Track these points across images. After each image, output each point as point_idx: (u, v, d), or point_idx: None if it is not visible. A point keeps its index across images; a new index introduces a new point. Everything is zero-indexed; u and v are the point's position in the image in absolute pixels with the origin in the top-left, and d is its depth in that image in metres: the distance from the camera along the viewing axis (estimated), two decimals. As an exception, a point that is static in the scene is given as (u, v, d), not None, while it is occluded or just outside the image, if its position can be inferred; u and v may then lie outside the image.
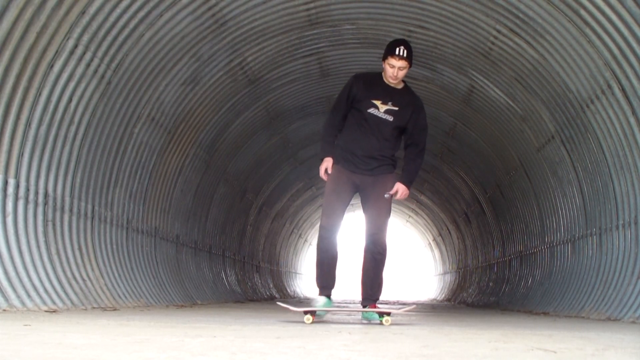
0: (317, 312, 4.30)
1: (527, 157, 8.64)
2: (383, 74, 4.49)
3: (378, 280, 4.50)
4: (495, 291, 11.29)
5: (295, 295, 17.29)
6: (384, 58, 4.42)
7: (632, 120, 5.68)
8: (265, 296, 13.52)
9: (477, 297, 12.53)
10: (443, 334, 3.22)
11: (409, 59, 4.37)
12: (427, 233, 19.32)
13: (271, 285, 15.04)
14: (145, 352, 2.10)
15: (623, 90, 5.67)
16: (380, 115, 4.45)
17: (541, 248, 8.83)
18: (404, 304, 12.47)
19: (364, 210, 4.55)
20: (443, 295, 17.17)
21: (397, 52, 4.34)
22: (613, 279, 6.01)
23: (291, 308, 4.29)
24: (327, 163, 4.52)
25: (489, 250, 12.38)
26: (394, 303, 12.74)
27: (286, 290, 16.58)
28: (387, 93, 4.47)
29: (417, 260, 26.08)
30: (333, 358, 2.03)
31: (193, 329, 3.16)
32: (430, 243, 19.76)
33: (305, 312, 4.15)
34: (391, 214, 4.68)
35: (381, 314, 4.26)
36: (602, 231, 6.56)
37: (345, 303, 11.39)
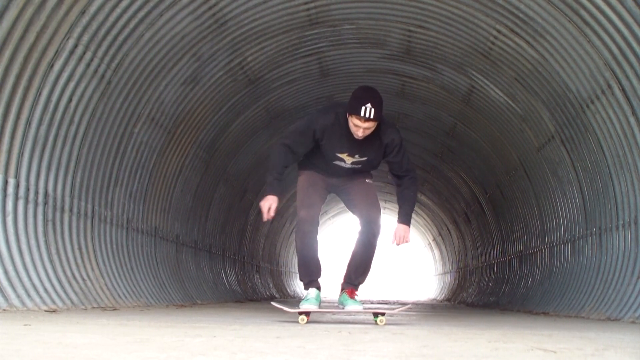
0: (313, 306, 4.11)
1: (527, 157, 8.64)
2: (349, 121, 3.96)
3: (365, 265, 4.24)
4: (495, 291, 11.29)
5: (295, 295, 17.28)
6: (348, 112, 3.86)
7: (632, 120, 5.68)
8: (265, 296, 13.52)
9: (477, 297, 12.53)
10: (443, 334, 3.22)
11: (377, 118, 3.80)
12: (427, 233, 19.32)
13: (271, 285, 15.04)
14: (145, 351, 2.10)
15: (623, 90, 5.67)
16: (347, 167, 4.14)
17: (541, 248, 8.83)
18: (404, 303, 12.47)
19: (351, 202, 4.29)
20: (443, 295, 17.17)
21: (362, 114, 3.76)
22: (613, 279, 6.01)
23: (285, 309, 4.16)
24: (272, 201, 4.04)
25: (489, 250, 12.38)
26: (393, 303, 12.74)
27: (286, 290, 16.58)
28: (353, 144, 4.01)
29: (417, 260, 26.08)
30: (333, 358, 2.03)
31: (193, 329, 3.16)
32: (430, 243, 19.76)
33: (300, 313, 4.03)
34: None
35: (376, 314, 4.15)
36: (602, 231, 6.56)
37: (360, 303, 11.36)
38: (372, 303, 11.55)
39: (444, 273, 18.27)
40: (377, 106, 3.80)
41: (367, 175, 4.34)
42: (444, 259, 18.04)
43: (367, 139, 3.98)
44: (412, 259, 30.54)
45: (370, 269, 4.31)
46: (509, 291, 10.26)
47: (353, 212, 4.36)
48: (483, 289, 12.45)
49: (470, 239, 13.98)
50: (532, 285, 8.94)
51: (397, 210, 4.44)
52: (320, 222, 4.31)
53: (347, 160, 4.12)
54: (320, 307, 4.21)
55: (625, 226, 5.99)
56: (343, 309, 4.25)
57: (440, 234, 17.36)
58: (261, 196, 4.29)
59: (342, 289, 4.29)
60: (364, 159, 4.11)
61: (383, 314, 4.13)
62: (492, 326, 4.14)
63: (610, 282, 6.04)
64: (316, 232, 4.15)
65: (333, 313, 5.54)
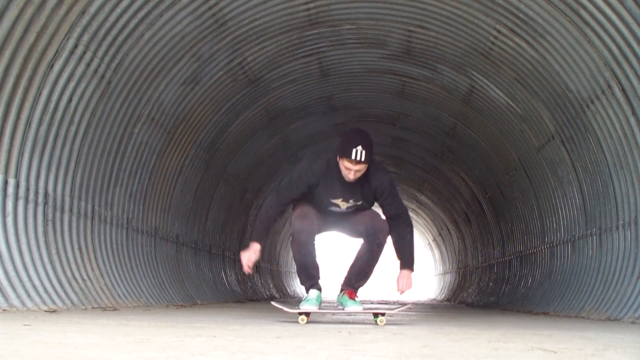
0: (313, 307, 4.12)
1: (527, 157, 8.64)
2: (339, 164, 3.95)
3: (367, 271, 4.23)
4: (495, 291, 11.29)
5: (295, 295, 17.28)
6: (339, 155, 3.85)
7: (632, 120, 5.68)
8: (265, 296, 13.52)
9: (477, 297, 12.53)
10: (443, 334, 3.22)
11: (367, 160, 3.79)
12: (427, 233, 19.32)
13: (271, 285, 15.04)
14: (145, 352, 2.10)
15: (623, 90, 5.67)
16: (342, 212, 4.14)
17: (541, 248, 8.82)
18: (403, 303, 12.47)
19: (354, 227, 4.24)
20: (443, 295, 17.17)
21: (353, 157, 3.76)
22: (613, 279, 6.01)
23: (285, 309, 4.17)
24: (254, 252, 4.08)
25: (489, 250, 12.38)
26: (393, 303, 12.74)
27: (286, 290, 16.58)
28: (347, 189, 4.02)
29: (417, 260, 26.06)
30: (333, 358, 2.02)
31: (193, 329, 3.16)
32: (430, 243, 19.76)
33: (300, 314, 4.03)
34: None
35: (376, 315, 4.15)
36: (602, 231, 6.56)
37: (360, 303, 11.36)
38: (372, 303, 11.55)
39: (444, 273, 18.27)
40: (368, 148, 3.80)
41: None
42: (444, 259, 18.03)
43: (360, 181, 3.97)
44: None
45: (371, 274, 4.30)
46: (509, 291, 10.26)
47: (358, 232, 4.26)
48: (483, 289, 12.45)
49: (470, 239, 13.98)
50: (532, 285, 8.94)
51: (395, 245, 4.35)
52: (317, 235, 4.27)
53: (342, 205, 4.12)
54: (320, 307, 4.21)
55: (625, 226, 5.99)
56: (343, 309, 4.24)
57: (440, 234, 17.36)
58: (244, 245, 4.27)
59: (342, 290, 4.29)
60: (359, 202, 4.11)
61: (383, 314, 4.13)
62: (492, 326, 4.14)
63: (610, 282, 6.04)
64: (313, 240, 4.11)
65: (333, 313, 5.53)
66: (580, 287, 6.76)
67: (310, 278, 4.19)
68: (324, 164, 4.02)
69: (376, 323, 4.09)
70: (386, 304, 11.86)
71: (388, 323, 4.25)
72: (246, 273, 4.06)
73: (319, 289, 4.18)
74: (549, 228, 8.48)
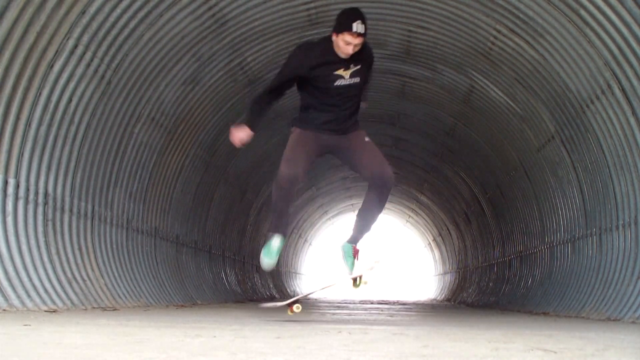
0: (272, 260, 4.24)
1: (527, 157, 8.64)
2: (334, 43, 4.05)
3: (375, 219, 4.30)
4: (495, 291, 11.29)
5: (295, 295, 17.28)
6: (337, 31, 3.99)
7: (632, 120, 5.68)
8: (265, 296, 13.52)
9: (477, 297, 12.53)
10: (443, 334, 3.22)
11: (366, 34, 3.99)
12: (427, 233, 19.32)
13: (271, 285, 15.04)
14: (145, 352, 2.10)
15: (623, 90, 5.67)
16: (348, 83, 4.15)
17: (541, 248, 8.83)
18: (404, 304, 12.48)
19: (356, 163, 4.26)
20: (443, 296, 17.17)
21: (354, 29, 3.94)
22: (613, 279, 6.01)
23: (277, 304, 4.29)
24: (245, 132, 4.15)
25: (489, 250, 12.38)
26: (393, 303, 12.75)
27: (286, 290, 16.58)
28: (344, 60, 4.09)
29: (417, 260, 26.08)
30: (333, 358, 2.02)
31: (193, 329, 3.16)
32: (430, 243, 19.76)
33: (292, 303, 4.15)
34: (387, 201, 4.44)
35: (355, 280, 4.25)
36: (602, 231, 6.56)
37: (345, 303, 11.39)
38: (372, 303, 11.56)
39: (444, 273, 18.27)
40: (365, 22, 4.00)
41: (363, 132, 4.33)
42: (444, 259, 18.04)
43: (354, 55, 4.07)
44: (412, 259, 30.54)
45: (377, 219, 4.37)
46: (509, 291, 10.26)
47: (360, 172, 4.31)
48: (483, 289, 12.45)
49: (470, 239, 13.98)
50: (532, 285, 8.94)
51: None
52: (302, 182, 4.29)
53: (346, 75, 4.14)
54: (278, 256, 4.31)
55: (625, 226, 5.99)
56: (349, 270, 4.26)
57: (440, 234, 17.36)
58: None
59: (351, 241, 4.33)
60: (358, 67, 4.17)
61: (361, 277, 4.22)
62: (492, 326, 4.14)
63: (610, 282, 6.04)
64: (294, 187, 4.17)
65: (333, 313, 5.54)
66: (580, 287, 6.76)
67: (279, 226, 4.28)
68: (312, 45, 4.18)
69: (359, 285, 4.14)
70: (386, 304, 11.87)
71: (388, 323, 4.25)
72: (237, 145, 4.18)
73: (282, 238, 4.26)
74: (549, 228, 8.48)
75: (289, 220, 4.33)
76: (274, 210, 4.28)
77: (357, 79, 4.17)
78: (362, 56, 4.14)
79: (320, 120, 4.20)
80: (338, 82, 4.13)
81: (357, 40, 3.97)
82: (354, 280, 4.26)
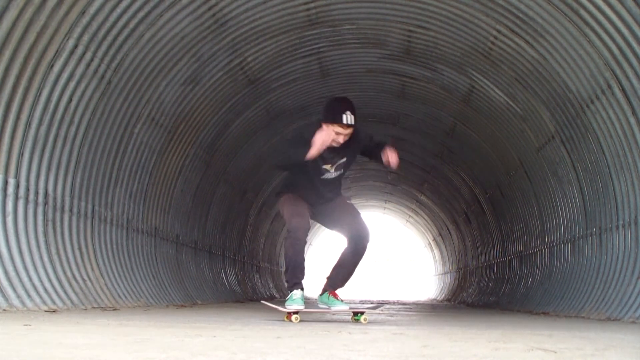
0: (300, 306, 4.28)
1: (527, 157, 8.64)
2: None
3: (351, 273, 4.51)
4: (495, 291, 11.29)
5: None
6: (326, 122, 4.12)
7: (632, 120, 5.68)
8: (265, 296, 13.52)
9: (477, 297, 12.53)
10: (443, 334, 3.22)
11: (355, 123, 4.12)
12: (427, 233, 19.32)
13: (271, 285, 15.04)
14: (145, 352, 2.10)
15: (623, 90, 5.67)
16: (333, 177, 4.42)
17: (541, 248, 8.82)
18: (404, 303, 12.48)
19: (336, 221, 4.54)
20: (443, 295, 17.17)
21: (344, 121, 4.07)
22: (613, 279, 6.01)
23: (279, 308, 4.35)
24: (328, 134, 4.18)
25: (489, 250, 12.38)
26: (393, 303, 12.75)
27: (286, 291, 16.56)
28: (330, 154, 4.29)
29: (417, 260, 26.08)
30: (333, 358, 2.02)
31: (193, 329, 3.16)
32: (430, 243, 19.76)
33: (294, 312, 4.21)
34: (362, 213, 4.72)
35: (356, 313, 4.44)
36: (602, 231, 6.56)
37: (354, 303, 11.36)
38: (372, 303, 11.56)
39: (444, 273, 18.26)
40: (355, 113, 4.13)
41: (344, 197, 4.67)
42: (444, 259, 18.03)
43: (344, 143, 4.25)
44: (411, 259, 30.53)
45: (352, 276, 4.58)
46: (509, 291, 10.26)
47: (340, 229, 4.58)
48: (483, 289, 12.45)
49: (470, 239, 13.98)
50: (532, 285, 8.94)
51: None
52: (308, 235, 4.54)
53: (331, 170, 4.39)
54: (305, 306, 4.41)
55: (625, 226, 5.99)
56: (328, 308, 4.46)
57: (440, 234, 17.36)
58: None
59: (325, 290, 4.51)
60: (343, 160, 4.38)
61: (363, 313, 4.39)
62: (492, 326, 4.14)
63: (610, 282, 6.04)
64: (306, 238, 4.36)
65: (333, 313, 5.54)
66: (580, 287, 6.76)
67: (296, 277, 4.39)
68: (307, 140, 4.24)
69: (360, 322, 4.28)
70: (386, 303, 11.87)
71: (388, 323, 4.26)
72: (317, 153, 4.19)
73: (302, 289, 4.39)
74: (549, 228, 8.48)
75: (304, 270, 4.44)
76: (292, 267, 4.36)
77: (341, 171, 4.42)
78: (350, 147, 4.31)
79: (306, 195, 4.45)
80: (324, 176, 4.38)
81: (347, 131, 4.14)
82: (355, 314, 4.48)
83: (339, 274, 4.50)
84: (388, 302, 13.07)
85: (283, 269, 4.87)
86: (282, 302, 4.55)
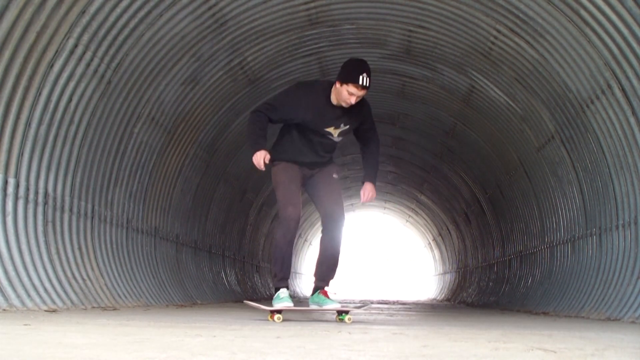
0: (289, 304, 4.21)
1: (527, 157, 8.64)
2: (332, 92, 4.17)
3: (335, 262, 4.39)
4: (495, 291, 11.29)
5: (295, 295, 17.28)
6: (343, 81, 4.05)
7: (632, 120, 5.68)
8: (266, 296, 13.52)
9: (477, 297, 12.53)
10: (443, 333, 3.22)
11: (370, 86, 4.08)
12: (427, 233, 19.32)
13: (271, 285, 15.04)
14: (145, 351, 2.10)
15: (623, 90, 5.67)
16: (333, 140, 4.32)
17: (541, 248, 8.83)
18: (404, 303, 12.48)
19: (316, 197, 4.44)
20: (443, 295, 17.17)
21: (360, 82, 4.00)
22: (613, 279, 6.01)
23: (261, 307, 4.28)
24: (262, 154, 4.20)
25: (489, 250, 12.38)
26: (393, 303, 12.75)
27: (272, 284, 16.55)
28: (338, 116, 4.22)
29: (417, 260, 26.07)
30: (333, 358, 2.02)
31: (193, 329, 3.16)
32: (430, 243, 19.76)
33: (276, 311, 4.13)
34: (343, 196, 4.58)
35: (340, 313, 4.34)
36: (602, 231, 6.56)
37: (345, 302, 11.38)
38: (372, 303, 11.56)
39: (444, 273, 18.27)
40: (371, 75, 4.05)
41: (334, 167, 4.52)
42: (444, 259, 18.04)
43: (351, 107, 4.15)
44: (412, 259, 30.53)
45: (338, 263, 4.45)
46: (509, 291, 10.26)
47: (317, 207, 4.50)
48: (483, 289, 12.45)
49: (470, 239, 13.98)
50: (532, 285, 8.94)
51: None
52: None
53: (334, 133, 4.28)
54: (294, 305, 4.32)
55: (625, 226, 5.99)
56: (320, 307, 4.35)
57: (440, 234, 17.36)
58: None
59: (317, 289, 4.40)
60: (347, 127, 4.29)
61: (347, 312, 4.31)
62: (492, 326, 4.14)
63: (610, 282, 6.04)
64: (297, 228, 4.27)
65: (333, 313, 5.53)
66: (580, 287, 6.76)
67: (283, 271, 4.29)
68: (309, 91, 4.23)
69: (344, 321, 4.19)
70: (386, 303, 11.86)
71: (388, 323, 4.26)
72: (261, 169, 4.26)
73: (287, 287, 4.32)
74: (549, 228, 8.48)
75: (291, 266, 4.35)
76: (279, 256, 4.27)
77: (341, 138, 4.33)
78: (354, 112, 4.24)
79: (299, 157, 4.36)
80: (325, 139, 4.28)
81: (361, 92, 4.05)
82: (339, 312, 4.37)
83: (323, 269, 4.39)
84: (388, 302, 13.07)
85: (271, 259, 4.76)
86: (259, 300, 4.54)
